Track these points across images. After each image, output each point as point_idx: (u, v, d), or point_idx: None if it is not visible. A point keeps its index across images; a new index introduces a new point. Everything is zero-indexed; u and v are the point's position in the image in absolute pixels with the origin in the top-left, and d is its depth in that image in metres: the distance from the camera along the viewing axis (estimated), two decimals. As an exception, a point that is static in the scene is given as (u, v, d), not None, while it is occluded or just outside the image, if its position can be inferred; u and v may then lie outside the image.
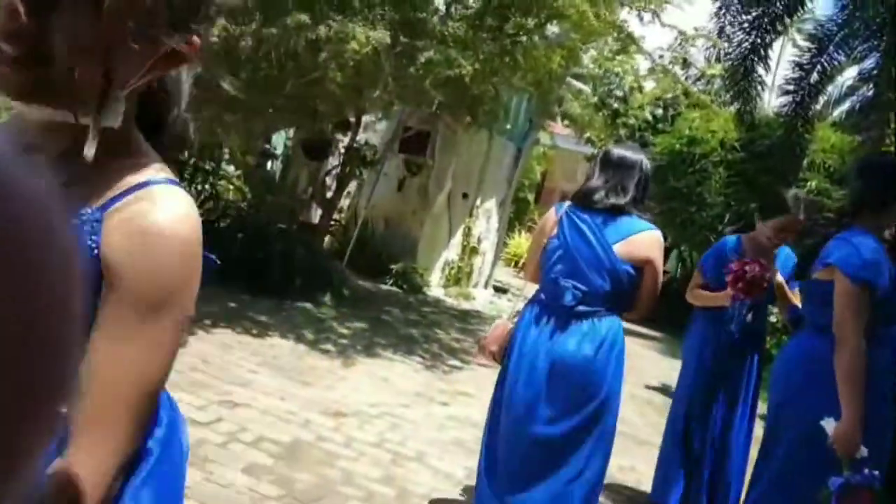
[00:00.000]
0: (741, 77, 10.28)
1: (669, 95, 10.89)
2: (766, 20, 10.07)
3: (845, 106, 11.99)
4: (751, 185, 9.51)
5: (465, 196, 8.94)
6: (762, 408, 2.85)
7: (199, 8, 0.75)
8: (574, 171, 12.70)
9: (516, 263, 12.98)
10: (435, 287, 8.68)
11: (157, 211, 0.73)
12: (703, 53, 14.36)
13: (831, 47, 10.15)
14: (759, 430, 2.88)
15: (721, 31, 10.29)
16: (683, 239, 10.47)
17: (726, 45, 10.31)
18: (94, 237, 0.71)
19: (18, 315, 0.22)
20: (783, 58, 15.16)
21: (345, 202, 8.29)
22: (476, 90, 5.71)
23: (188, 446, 0.93)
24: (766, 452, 2.35)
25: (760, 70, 10.74)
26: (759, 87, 10.48)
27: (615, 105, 11.58)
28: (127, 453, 0.71)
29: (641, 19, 6.23)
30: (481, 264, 9.60)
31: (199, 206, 7.42)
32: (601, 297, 2.32)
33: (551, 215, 2.49)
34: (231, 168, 7.82)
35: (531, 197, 14.40)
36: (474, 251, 9.31)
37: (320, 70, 4.69)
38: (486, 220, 9.52)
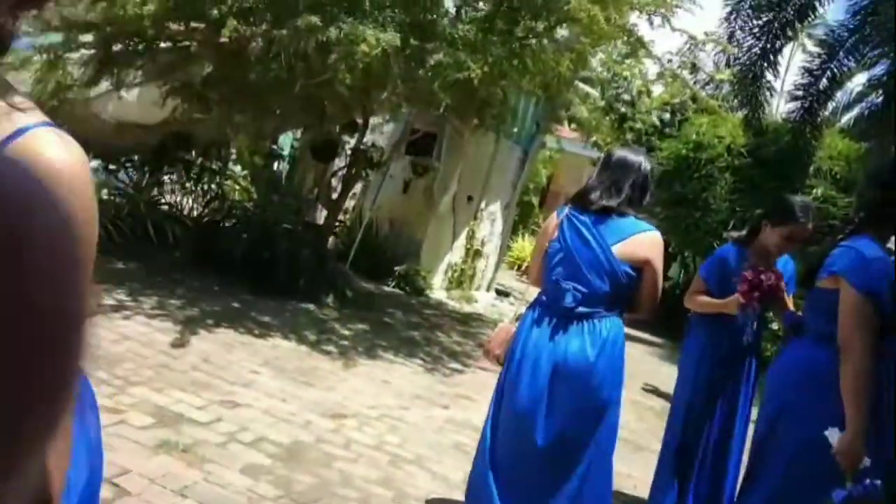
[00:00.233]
0: (750, 82, 10.25)
1: (677, 100, 10.85)
2: (776, 25, 10.04)
3: (854, 112, 11.92)
4: (757, 192, 9.46)
5: (469, 199, 8.94)
6: (755, 414, 2.83)
7: None
8: (580, 175, 12.68)
9: (519, 267, 12.96)
10: (437, 289, 8.68)
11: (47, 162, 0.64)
12: (712, 58, 14.31)
13: (841, 53, 10.11)
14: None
15: (731, 35, 10.27)
16: (687, 244, 10.43)
17: (736, 49, 10.28)
18: None
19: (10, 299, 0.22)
20: (793, 63, 15.11)
21: (350, 203, 8.30)
22: (484, 93, 5.71)
23: (98, 439, 0.90)
24: (760, 462, 2.32)
25: (769, 75, 10.71)
26: (768, 93, 10.46)
27: (623, 109, 11.55)
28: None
29: (651, 23, 6.20)
30: (484, 267, 9.59)
31: (206, 206, 7.48)
32: (601, 298, 2.33)
33: (553, 218, 2.52)
34: (238, 168, 7.85)
35: (536, 200, 14.37)
36: (478, 254, 9.30)
37: (330, 72, 4.70)
38: (491, 224, 9.50)
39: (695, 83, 11.69)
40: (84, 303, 0.25)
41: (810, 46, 12.51)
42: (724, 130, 10.10)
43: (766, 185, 9.43)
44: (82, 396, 0.84)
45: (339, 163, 7.69)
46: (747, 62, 9.90)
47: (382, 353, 5.37)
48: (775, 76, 10.84)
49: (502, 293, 10.19)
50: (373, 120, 7.33)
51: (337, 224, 7.66)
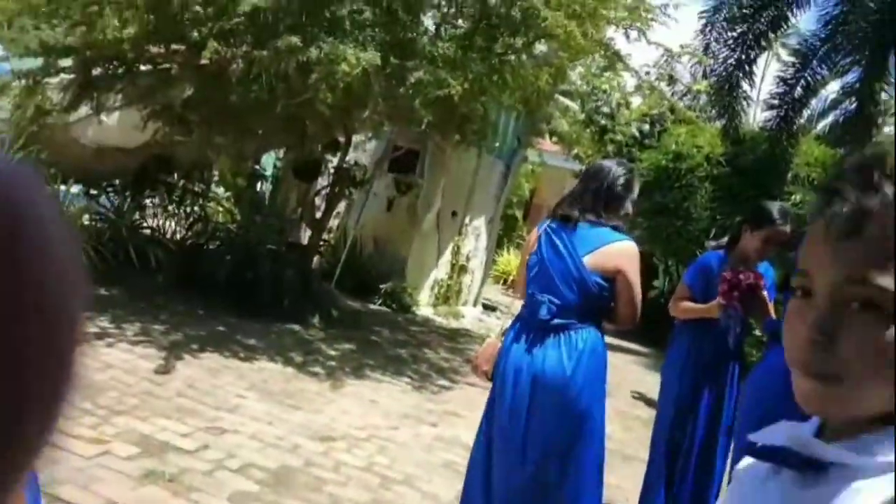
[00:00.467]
0: (726, 93, 10.41)
1: (656, 112, 10.99)
2: (750, 36, 10.22)
3: (828, 119, 12.14)
4: (736, 199, 9.58)
5: (454, 214, 8.95)
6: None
7: None
8: (562, 188, 12.76)
9: (505, 281, 12.98)
10: (424, 306, 8.66)
11: None
12: (689, 70, 14.53)
13: (815, 62, 10.31)
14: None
15: (707, 47, 10.44)
16: (670, 253, 10.52)
17: (711, 61, 10.45)
18: None
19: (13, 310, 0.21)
20: (768, 73, 15.38)
21: (334, 222, 8.27)
22: (465, 109, 5.74)
23: None
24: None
25: (745, 85, 10.88)
26: (745, 103, 10.63)
27: (602, 121, 11.67)
28: None
29: (628, 37, 6.29)
30: (470, 282, 9.59)
31: (188, 229, 7.42)
32: (574, 309, 2.34)
33: (535, 232, 2.54)
34: (220, 190, 7.80)
35: (519, 214, 14.43)
36: (463, 269, 9.30)
37: (311, 91, 4.70)
38: (475, 238, 9.52)
39: (672, 94, 11.86)
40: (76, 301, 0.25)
41: (784, 56, 12.73)
42: (702, 140, 10.24)
43: (745, 193, 9.55)
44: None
45: (322, 182, 7.67)
46: (723, 73, 10.07)
47: (370, 373, 5.33)
48: (751, 86, 11.02)
49: (489, 308, 10.19)
50: (355, 138, 7.34)
51: (321, 243, 7.63)
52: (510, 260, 13.18)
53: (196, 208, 7.60)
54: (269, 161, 8.78)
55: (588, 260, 2.33)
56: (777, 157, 9.90)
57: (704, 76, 10.79)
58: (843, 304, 0.61)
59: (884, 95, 10.04)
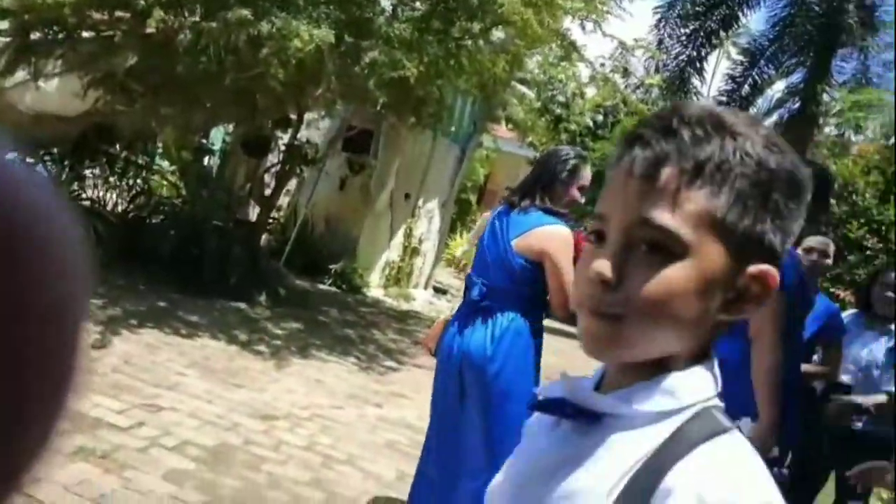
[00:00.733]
0: (677, 88, 10.66)
1: (609, 103, 11.16)
2: (702, 34, 10.47)
3: (773, 118, 12.55)
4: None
5: (407, 196, 8.93)
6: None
7: None
8: (517, 174, 12.87)
9: (457, 264, 13.04)
10: (374, 287, 8.64)
11: None
12: (643, 63, 14.78)
13: (762, 61, 10.64)
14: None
15: (660, 42, 10.64)
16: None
17: (665, 56, 10.66)
18: None
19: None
20: (719, 70, 15.76)
21: (284, 200, 8.15)
22: (421, 91, 5.71)
23: None
24: None
25: (696, 81, 11.16)
26: (695, 98, 10.90)
27: (558, 111, 11.79)
28: None
29: (584, 28, 6.35)
30: (422, 265, 9.60)
31: (131, 202, 7.20)
32: (503, 292, 2.38)
33: (486, 216, 2.60)
34: (165, 163, 7.58)
35: (474, 198, 14.50)
36: (415, 252, 9.31)
37: (261, 66, 4.60)
38: (428, 221, 9.53)
39: (626, 87, 12.05)
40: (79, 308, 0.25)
41: (734, 55, 13.08)
42: (653, 133, 10.46)
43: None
44: None
45: (273, 159, 7.54)
46: (675, 68, 10.29)
47: (316, 353, 5.30)
48: (702, 82, 11.30)
49: (440, 290, 10.23)
50: (308, 116, 7.22)
51: (270, 221, 7.51)
52: (462, 243, 13.24)
53: (139, 181, 7.37)
54: (217, 135, 8.57)
55: (516, 243, 2.36)
56: (723, 153, 10.20)
57: (657, 70, 11.00)
58: (632, 246, 0.61)
59: (825, 97, 10.44)
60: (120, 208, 7.16)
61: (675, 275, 0.60)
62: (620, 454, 0.60)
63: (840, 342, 3.09)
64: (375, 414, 4.26)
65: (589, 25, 6.27)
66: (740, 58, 11.37)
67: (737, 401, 2.10)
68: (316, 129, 8.07)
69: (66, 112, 5.83)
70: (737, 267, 0.62)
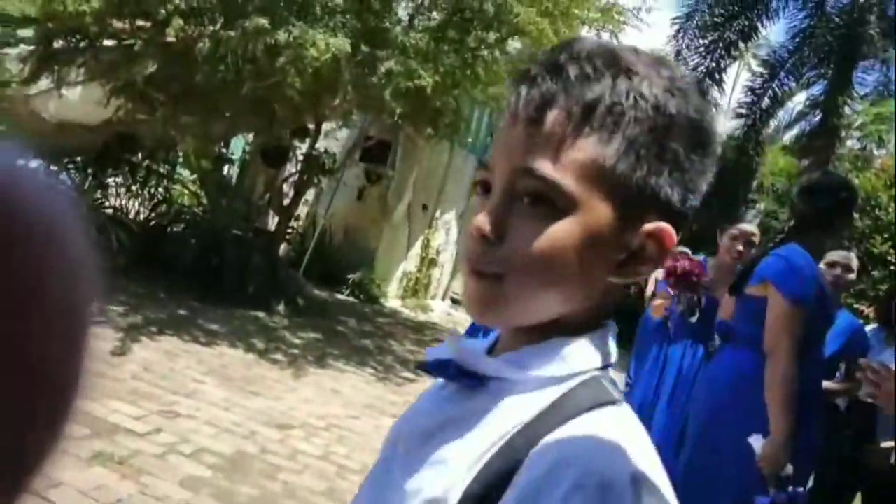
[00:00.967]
0: (696, 99, 10.56)
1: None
2: (721, 45, 10.40)
3: (794, 131, 12.42)
4: (703, 206, 9.73)
5: (424, 207, 8.94)
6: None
7: None
8: (534, 186, 12.86)
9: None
10: (392, 298, 8.64)
11: None
12: (661, 75, 14.68)
13: (782, 73, 10.54)
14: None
15: (678, 53, 10.59)
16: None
17: (683, 67, 10.59)
18: None
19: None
20: (739, 82, 15.66)
21: (303, 210, 8.19)
22: (437, 102, 5.73)
23: None
24: (689, 465, 2.35)
25: (715, 93, 11.07)
26: (714, 110, 10.83)
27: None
28: None
29: (600, 38, 6.34)
30: (440, 276, 9.59)
31: (152, 210, 7.28)
32: None
33: None
34: (186, 172, 7.66)
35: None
36: (433, 263, 9.30)
37: (279, 75, 4.64)
38: (446, 232, 9.52)
39: (645, 98, 12.00)
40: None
41: (755, 66, 12.98)
42: (670, 145, 10.40)
43: (711, 200, 9.72)
44: None
45: (291, 168, 7.59)
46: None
47: (333, 362, 5.30)
48: (721, 94, 11.21)
49: (458, 302, 10.20)
50: (326, 126, 7.27)
51: (289, 231, 7.55)
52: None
53: (160, 189, 7.45)
54: (238, 144, 8.65)
55: None
56: (743, 166, 10.10)
57: (676, 81, 10.93)
58: (514, 198, 0.55)
59: (847, 109, 10.30)
60: (141, 216, 7.24)
61: (559, 231, 0.54)
62: (500, 420, 0.55)
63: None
64: (391, 425, 4.22)
65: (605, 35, 6.27)
66: (760, 70, 11.28)
67: (754, 416, 2.06)
68: (334, 139, 8.12)
69: (89, 120, 5.93)
70: (629, 224, 0.55)
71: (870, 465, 2.81)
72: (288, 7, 4.61)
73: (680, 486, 2.28)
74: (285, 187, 7.43)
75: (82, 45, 4.90)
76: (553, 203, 0.54)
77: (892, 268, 8.85)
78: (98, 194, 6.82)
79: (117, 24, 4.79)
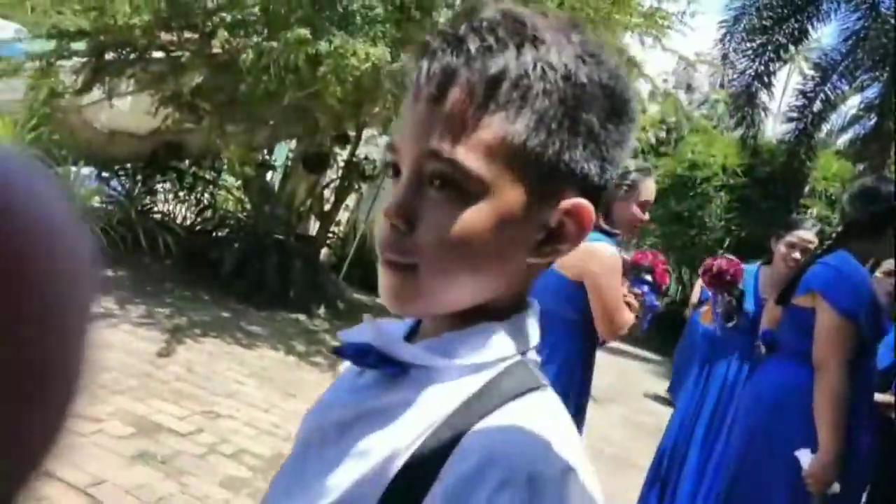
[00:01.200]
0: (744, 103, 10.32)
1: (673, 119, 10.93)
2: (770, 48, 10.13)
3: (848, 135, 12.01)
4: (752, 210, 9.51)
5: (463, 212, 8.94)
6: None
7: None
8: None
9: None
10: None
11: None
12: (708, 78, 14.44)
13: (835, 76, 10.20)
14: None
15: (725, 57, 10.36)
16: (683, 262, 10.46)
17: (730, 71, 10.37)
18: None
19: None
20: (790, 85, 15.22)
21: (343, 216, 8.29)
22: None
23: None
24: (734, 480, 2.28)
25: (764, 96, 10.79)
26: (763, 114, 10.54)
27: (618, 127, 11.63)
28: None
29: (643, 43, 6.26)
30: (479, 281, 9.58)
31: (198, 216, 7.47)
32: (545, 312, 2.21)
33: None
34: (231, 179, 7.86)
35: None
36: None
37: (320, 84, 4.72)
38: (485, 238, 9.51)
39: (690, 103, 11.79)
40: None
41: (806, 69, 12.61)
42: (716, 149, 10.17)
43: (761, 205, 9.48)
44: None
45: (332, 175, 7.70)
46: (742, 83, 9.99)
47: (370, 366, 5.33)
48: (770, 97, 10.92)
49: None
50: (366, 132, 7.35)
51: (329, 236, 7.65)
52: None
53: (206, 195, 7.65)
54: (281, 151, 8.83)
55: (558, 261, 2.20)
56: (795, 170, 9.81)
57: (722, 86, 10.71)
58: (423, 182, 0.52)
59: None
60: (188, 222, 7.45)
61: (472, 217, 0.51)
62: (425, 410, 0.52)
63: None
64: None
65: (648, 41, 6.18)
66: (811, 73, 10.94)
67: (800, 432, 1.99)
68: (374, 145, 8.21)
69: (138, 129, 6.14)
70: (545, 203, 0.53)
71: None
72: (329, 18, 4.69)
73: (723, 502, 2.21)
74: (326, 193, 7.54)
75: (132, 57, 5.08)
76: (463, 187, 0.51)
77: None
78: (147, 200, 7.05)
79: (165, 36, 4.95)
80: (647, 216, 2.27)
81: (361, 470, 0.52)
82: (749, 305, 3.14)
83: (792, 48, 10.50)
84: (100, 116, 5.89)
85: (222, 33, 4.38)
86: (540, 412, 0.52)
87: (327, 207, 7.26)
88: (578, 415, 2.21)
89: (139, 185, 6.84)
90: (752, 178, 9.86)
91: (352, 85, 4.58)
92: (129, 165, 6.92)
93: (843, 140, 13.08)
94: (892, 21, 9.14)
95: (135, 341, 4.37)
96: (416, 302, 0.55)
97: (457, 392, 0.53)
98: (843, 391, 1.95)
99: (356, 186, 7.40)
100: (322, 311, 6.48)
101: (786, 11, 9.63)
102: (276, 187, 7.58)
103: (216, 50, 4.61)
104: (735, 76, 10.33)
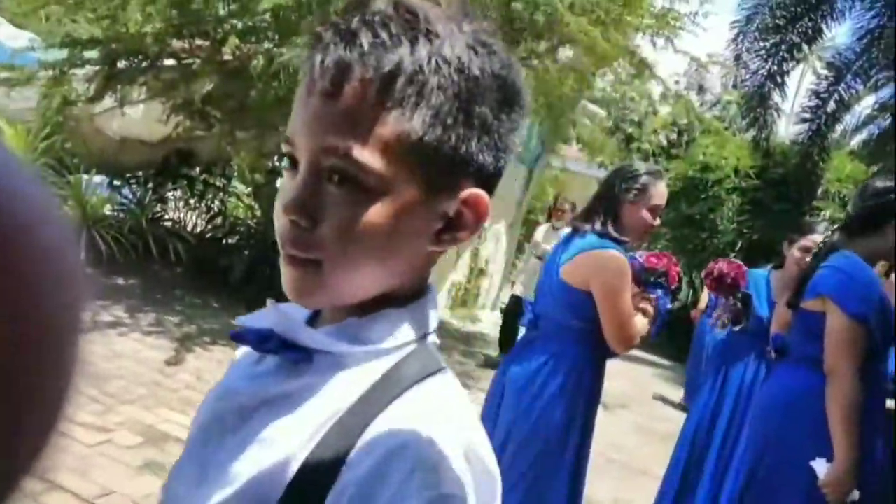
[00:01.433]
0: (757, 104, 10.23)
1: (685, 121, 10.85)
2: (783, 48, 10.03)
3: (863, 135, 11.87)
4: (765, 213, 9.41)
5: (474, 217, 8.92)
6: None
7: None
8: (587, 195, 12.68)
9: (526, 286, 12.89)
10: (441, 308, 8.64)
11: None
12: (720, 79, 14.34)
13: (849, 76, 10.08)
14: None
15: (737, 57, 10.27)
16: (694, 265, 10.36)
17: (742, 71, 10.28)
18: None
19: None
20: (803, 85, 15.08)
21: (353, 221, 8.30)
22: (486, 112, 5.71)
23: None
24: (747, 486, 2.23)
25: (777, 97, 10.69)
26: (776, 114, 10.44)
27: (629, 129, 11.55)
28: None
29: (654, 45, 6.21)
30: (488, 287, 9.54)
31: (208, 223, 7.48)
32: (552, 322, 2.17)
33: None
34: (241, 186, 7.87)
35: (542, 219, 14.35)
36: (482, 273, 9.26)
37: (329, 90, 4.71)
38: (495, 243, 9.48)
39: (702, 104, 11.71)
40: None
41: (820, 69, 12.49)
42: (728, 151, 10.08)
43: (774, 207, 9.38)
44: None
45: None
46: (754, 84, 9.90)
47: (380, 373, 5.31)
48: (783, 98, 10.82)
49: (506, 312, 10.13)
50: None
51: (339, 242, 7.64)
52: (530, 266, 13.10)
53: (217, 202, 7.67)
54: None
55: (563, 269, 2.13)
56: (808, 172, 9.70)
57: (735, 86, 10.62)
58: (321, 177, 0.52)
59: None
60: (198, 229, 7.47)
61: (372, 213, 0.52)
62: (330, 396, 0.53)
63: None
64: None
65: (660, 42, 6.13)
66: (825, 72, 10.83)
67: (814, 439, 1.94)
68: (384, 151, 8.22)
69: (150, 137, 6.16)
70: (443, 194, 0.54)
71: None
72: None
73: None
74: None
75: (144, 64, 5.10)
76: (362, 183, 0.52)
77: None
78: (158, 208, 7.07)
79: (177, 44, 4.97)
80: (657, 221, 2.20)
81: (265, 458, 0.52)
82: (762, 310, 3.09)
83: (805, 48, 10.40)
84: (112, 124, 5.91)
85: (233, 40, 4.39)
86: (439, 397, 0.54)
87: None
88: (587, 424, 2.16)
89: (150, 192, 6.87)
90: (764, 180, 9.75)
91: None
92: (140, 173, 6.95)
93: (857, 140, 12.94)
94: (908, 20, 9.02)
95: (144, 350, 4.37)
96: (320, 295, 0.56)
97: (361, 378, 0.53)
98: (856, 398, 1.91)
99: (366, 192, 7.40)
100: (332, 317, 6.47)
101: (799, 10, 9.54)
102: (286, 193, 7.59)
103: (227, 57, 4.62)
104: (747, 76, 10.25)
